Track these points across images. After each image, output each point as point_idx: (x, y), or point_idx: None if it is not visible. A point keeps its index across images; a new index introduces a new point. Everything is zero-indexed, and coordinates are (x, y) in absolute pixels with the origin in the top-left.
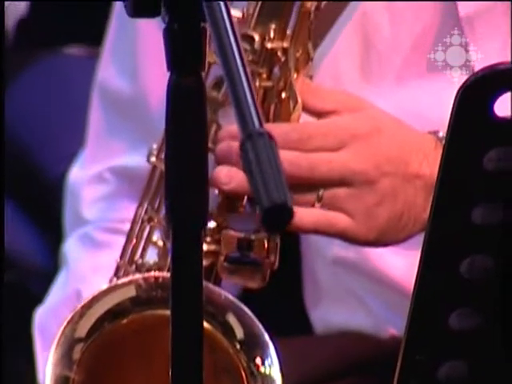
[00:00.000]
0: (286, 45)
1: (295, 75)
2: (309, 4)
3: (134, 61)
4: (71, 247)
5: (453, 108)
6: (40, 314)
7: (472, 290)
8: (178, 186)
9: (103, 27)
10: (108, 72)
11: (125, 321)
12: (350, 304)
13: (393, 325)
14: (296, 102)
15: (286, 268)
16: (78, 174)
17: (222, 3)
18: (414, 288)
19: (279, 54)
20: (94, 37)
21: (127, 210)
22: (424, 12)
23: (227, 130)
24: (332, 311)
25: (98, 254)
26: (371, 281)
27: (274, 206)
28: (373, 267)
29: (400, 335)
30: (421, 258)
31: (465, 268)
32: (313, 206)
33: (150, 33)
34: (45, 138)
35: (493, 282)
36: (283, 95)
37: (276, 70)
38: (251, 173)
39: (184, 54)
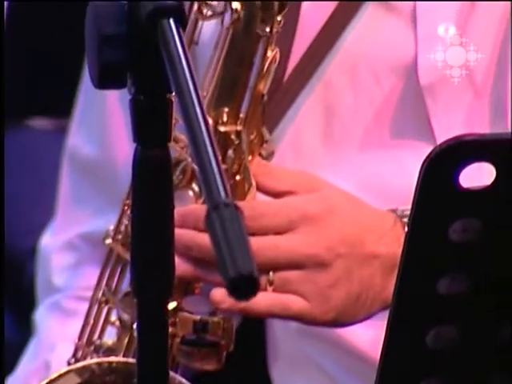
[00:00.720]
0: (239, 128)
1: (250, 157)
2: (261, 87)
3: (102, 128)
4: (41, 316)
5: (418, 179)
6: None
7: (438, 361)
8: (144, 257)
9: (69, 99)
10: (77, 139)
11: None
12: (314, 373)
13: None
14: (250, 184)
15: (250, 337)
16: (48, 241)
17: (188, 76)
18: (381, 359)
19: (233, 137)
20: (60, 109)
21: (96, 277)
22: (385, 81)
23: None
24: (296, 380)
25: (68, 323)
26: (336, 351)
27: (241, 277)
28: (338, 337)
29: None
30: (387, 328)
31: (431, 338)
32: (265, 289)
33: (117, 102)
34: (14, 212)
35: (458, 352)
36: (237, 178)
37: (230, 152)
38: (217, 243)
39: (150, 126)
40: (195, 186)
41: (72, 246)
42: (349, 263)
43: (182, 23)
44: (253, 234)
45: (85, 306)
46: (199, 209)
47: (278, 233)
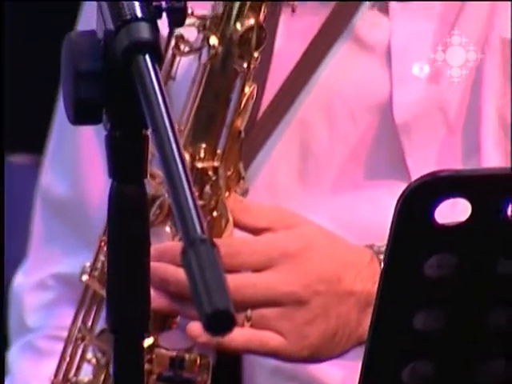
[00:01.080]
0: (216, 164)
1: (226, 193)
2: (239, 123)
3: (74, 166)
4: (14, 356)
5: (393, 215)
6: None
7: None
8: (120, 294)
9: (46, 135)
10: (49, 177)
11: None
12: None
13: None
14: (227, 220)
15: (226, 374)
16: (21, 281)
17: (164, 112)
18: None
19: (210, 173)
20: (37, 145)
21: (70, 317)
22: (360, 119)
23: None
24: None
25: (41, 363)
26: None
27: (217, 313)
28: (311, 377)
29: None
30: (363, 364)
31: (407, 374)
32: (242, 325)
33: (91, 138)
34: None
35: None
36: (215, 214)
37: (207, 188)
38: (193, 279)
39: (126, 163)
40: (172, 223)
41: (44, 286)
42: (326, 301)
43: (157, 59)
44: (231, 272)
45: (58, 346)
46: (176, 245)
47: (256, 270)
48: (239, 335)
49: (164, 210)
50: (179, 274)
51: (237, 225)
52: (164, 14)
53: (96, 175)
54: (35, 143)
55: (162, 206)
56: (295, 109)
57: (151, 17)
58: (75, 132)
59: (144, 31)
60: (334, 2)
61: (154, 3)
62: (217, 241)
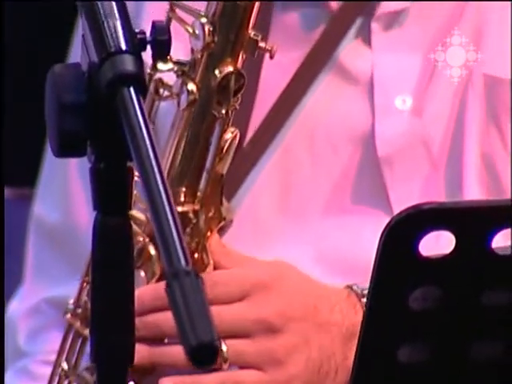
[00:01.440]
0: (196, 207)
1: (208, 234)
2: (220, 168)
3: (65, 195)
4: (10, 380)
5: (377, 247)
6: None
7: None
8: (103, 328)
9: (30, 169)
10: (41, 207)
11: None
12: None
13: None
14: (208, 263)
15: None
16: (16, 307)
17: (148, 144)
18: None
19: (190, 216)
20: (21, 179)
21: None
22: (343, 151)
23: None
24: None
25: None
26: None
27: (201, 345)
28: None
29: None
30: None
31: None
32: (220, 367)
33: (81, 168)
34: None
35: None
36: (195, 256)
37: (188, 231)
38: (177, 311)
39: (110, 195)
40: (148, 267)
41: (38, 311)
42: (303, 329)
43: (142, 91)
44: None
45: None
46: (154, 288)
47: (230, 302)
48: (212, 380)
49: (143, 254)
50: (161, 316)
51: (217, 266)
52: (148, 47)
53: (86, 204)
54: (16, 177)
55: (143, 250)
56: (279, 139)
57: (135, 49)
58: (64, 163)
59: (128, 64)
60: (317, 33)
61: (139, 36)
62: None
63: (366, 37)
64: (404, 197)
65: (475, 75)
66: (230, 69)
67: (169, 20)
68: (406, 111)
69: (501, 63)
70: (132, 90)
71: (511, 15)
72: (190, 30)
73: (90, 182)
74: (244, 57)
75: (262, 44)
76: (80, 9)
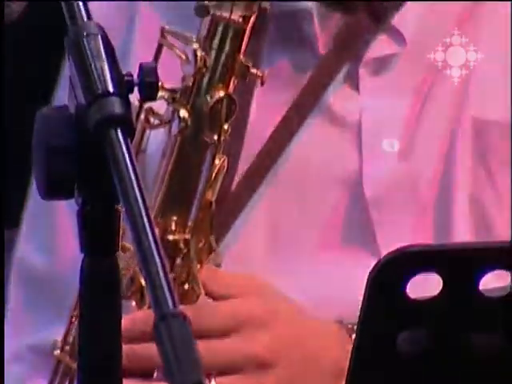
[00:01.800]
0: (187, 236)
1: (198, 266)
2: (210, 195)
3: (50, 236)
4: None
5: (365, 289)
6: None
7: None
8: (91, 365)
9: (18, 209)
10: (25, 249)
11: None
12: None
13: None
14: (199, 293)
15: None
16: None
17: (136, 187)
18: None
19: (181, 245)
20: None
21: None
22: (331, 193)
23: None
24: None
25: None
26: None
27: None
28: None
29: None
30: None
31: None
32: None
33: (66, 209)
34: None
35: None
36: (186, 286)
37: (178, 261)
38: (165, 354)
39: (97, 237)
40: (138, 297)
41: (20, 358)
42: (295, 363)
43: (129, 133)
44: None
45: None
46: (145, 316)
47: (221, 335)
48: None
49: (134, 284)
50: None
51: (208, 294)
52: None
53: (72, 246)
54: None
55: (133, 280)
56: (267, 182)
57: (123, 91)
58: (50, 203)
59: (116, 106)
60: (307, 75)
61: (126, 78)
62: (184, 306)
63: (353, 82)
64: (392, 238)
65: (463, 117)
66: (222, 94)
67: (160, 47)
68: (393, 153)
69: (490, 104)
70: (119, 131)
71: (505, 49)
72: (183, 57)
73: (77, 225)
74: (236, 82)
75: (253, 70)
76: (67, 50)
